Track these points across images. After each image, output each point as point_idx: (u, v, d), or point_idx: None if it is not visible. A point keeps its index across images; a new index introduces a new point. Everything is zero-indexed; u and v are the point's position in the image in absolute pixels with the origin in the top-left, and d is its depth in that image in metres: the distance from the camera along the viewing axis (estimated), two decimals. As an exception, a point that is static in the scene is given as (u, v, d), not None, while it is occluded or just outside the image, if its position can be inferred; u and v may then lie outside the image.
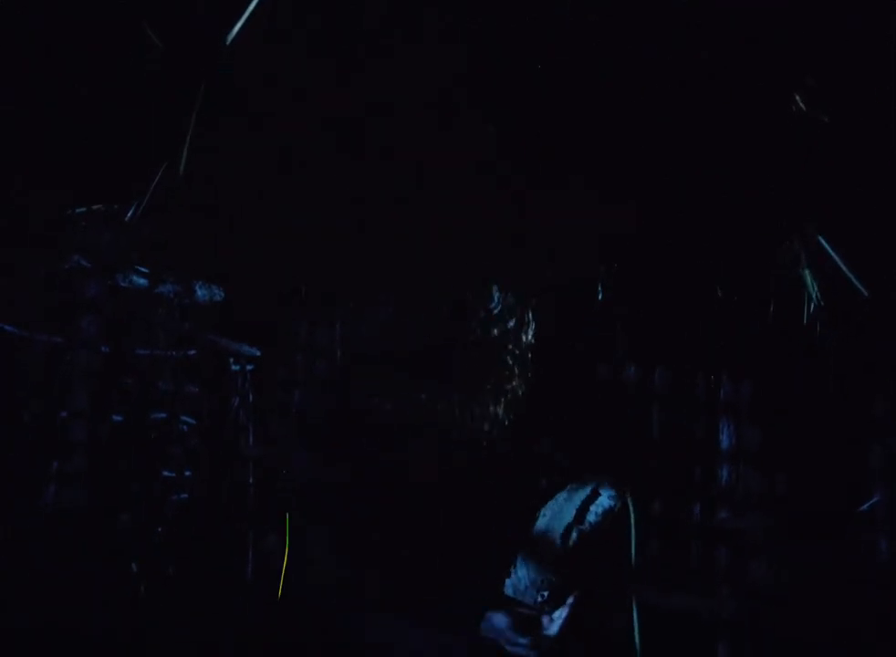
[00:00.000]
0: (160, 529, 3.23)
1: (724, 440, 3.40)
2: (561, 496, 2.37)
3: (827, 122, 3.26)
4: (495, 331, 2.42)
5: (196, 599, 3.20)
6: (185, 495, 3.27)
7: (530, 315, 2.48)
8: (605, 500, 2.36)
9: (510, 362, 2.43)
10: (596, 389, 3.15)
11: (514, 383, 2.45)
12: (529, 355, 2.49)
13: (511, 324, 2.43)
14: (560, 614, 2.30)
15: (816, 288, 3.31)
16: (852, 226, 3.31)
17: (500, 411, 2.44)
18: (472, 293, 2.46)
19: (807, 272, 3.31)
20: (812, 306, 3.32)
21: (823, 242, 3.29)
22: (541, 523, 2.35)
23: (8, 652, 3.01)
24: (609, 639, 2.53)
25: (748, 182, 3.29)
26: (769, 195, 3.30)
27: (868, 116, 3.27)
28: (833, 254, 3.29)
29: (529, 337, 2.45)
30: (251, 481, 3.31)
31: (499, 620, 2.30)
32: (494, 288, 2.42)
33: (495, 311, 2.41)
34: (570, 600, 2.30)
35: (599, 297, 3.23)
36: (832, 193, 3.29)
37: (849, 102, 3.26)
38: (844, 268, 3.28)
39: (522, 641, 2.28)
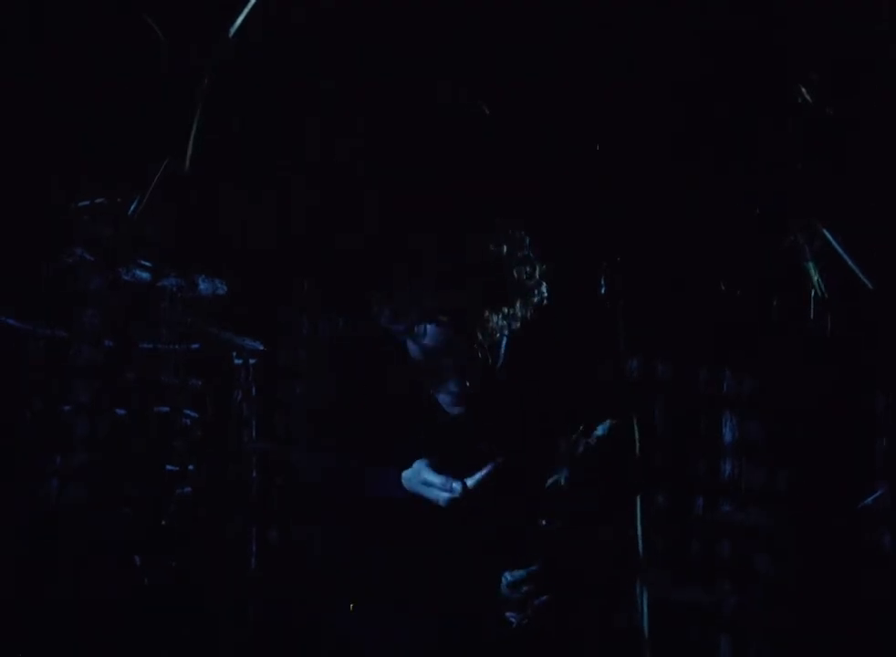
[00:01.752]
0: (163, 522, 3.24)
1: (727, 434, 3.39)
2: None
3: (831, 114, 3.24)
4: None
5: (199, 592, 3.22)
6: (188, 489, 3.28)
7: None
8: (599, 430, 2.34)
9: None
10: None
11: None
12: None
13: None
14: (481, 473, 2.24)
15: (820, 281, 3.30)
16: (857, 219, 3.29)
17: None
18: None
19: (811, 265, 3.30)
20: (816, 299, 3.31)
21: (828, 234, 3.28)
22: None
23: (12, 645, 3.02)
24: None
25: (753, 174, 3.28)
26: (774, 188, 3.29)
27: (872, 108, 3.25)
28: (838, 246, 3.27)
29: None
30: (254, 474, 3.32)
31: (417, 465, 2.24)
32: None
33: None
34: (490, 466, 2.25)
35: (602, 289, 3.22)
36: (837, 186, 3.28)
37: (855, 95, 3.25)
38: (849, 261, 3.27)
39: (435, 480, 2.21)
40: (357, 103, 3.08)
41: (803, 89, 3.21)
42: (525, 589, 2.30)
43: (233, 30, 3.06)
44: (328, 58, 3.07)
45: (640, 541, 2.80)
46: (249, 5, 3.04)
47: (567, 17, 2.99)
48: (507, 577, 2.31)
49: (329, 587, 2.47)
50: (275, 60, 3.08)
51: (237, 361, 3.35)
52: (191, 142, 3.04)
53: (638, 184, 3.20)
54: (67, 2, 3.04)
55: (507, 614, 2.34)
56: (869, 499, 3.35)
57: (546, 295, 2.31)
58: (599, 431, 2.30)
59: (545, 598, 2.31)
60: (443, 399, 2.39)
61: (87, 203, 3.25)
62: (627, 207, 3.20)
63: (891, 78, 3.16)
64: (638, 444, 2.70)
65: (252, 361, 3.35)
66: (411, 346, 2.35)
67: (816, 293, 3.30)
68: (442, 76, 3.01)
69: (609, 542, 2.47)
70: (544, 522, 2.31)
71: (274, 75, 3.11)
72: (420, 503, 2.25)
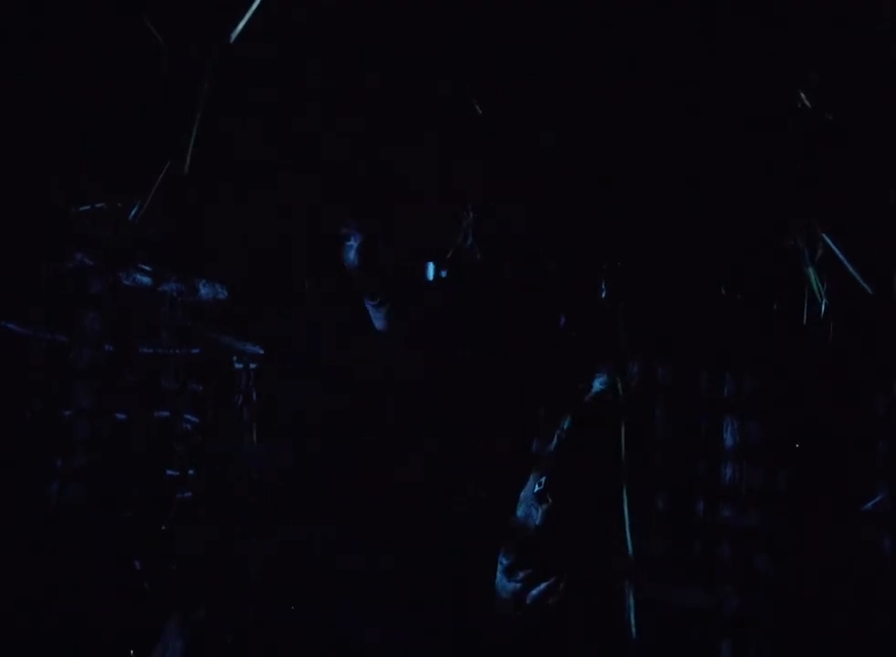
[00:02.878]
0: (163, 527, 3.23)
1: (728, 437, 3.39)
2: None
3: (831, 120, 3.25)
4: None
5: (199, 596, 3.21)
6: (188, 494, 3.27)
7: None
8: (596, 385, 2.39)
9: None
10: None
11: None
12: None
13: None
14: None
15: (820, 286, 3.30)
16: (857, 224, 3.30)
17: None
18: None
19: (811, 269, 3.30)
20: (816, 303, 3.31)
21: (828, 240, 3.28)
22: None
23: (14, 647, 3.01)
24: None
25: (754, 179, 3.28)
26: (774, 193, 3.30)
27: (873, 113, 3.26)
28: (838, 251, 3.28)
29: None
30: (254, 479, 3.31)
31: None
32: None
33: None
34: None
35: (603, 293, 3.23)
36: (837, 191, 3.28)
37: (855, 99, 3.25)
38: (849, 266, 3.27)
39: None
40: (358, 104, 3.09)
41: (802, 95, 3.22)
42: (521, 574, 2.30)
43: (234, 36, 3.07)
44: (328, 58, 3.08)
45: (629, 541, 2.80)
46: (251, 11, 3.05)
47: (568, 17, 3.00)
48: (503, 561, 2.32)
49: (329, 588, 2.47)
50: (275, 61, 3.09)
51: (238, 366, 3.34)
52: (191, 145, 3.05)
53: (639, 187, 3.21)
54: (69, 8, 3.05)
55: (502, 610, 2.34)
56: (869, 504, 3.35)
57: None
58: (565, 424, 2.32)
59: (543, 585, 2.31)
60: (370, 307, 2.43)
61: (87, 207, 3.25)
62: (628, 211, 3.21)
63: (893, 81, 3.17)
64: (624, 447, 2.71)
65: (252, 366, 3.35)
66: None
67: (816, 297, 3.31)
68: (442, 75, 3.02)
69: (599, 538, 2.47)
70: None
71: (273, 77, 3.11)
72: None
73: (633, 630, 2.63)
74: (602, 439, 2.45)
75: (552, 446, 2.34)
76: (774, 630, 3.30)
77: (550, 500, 2.30)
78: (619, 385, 2.54)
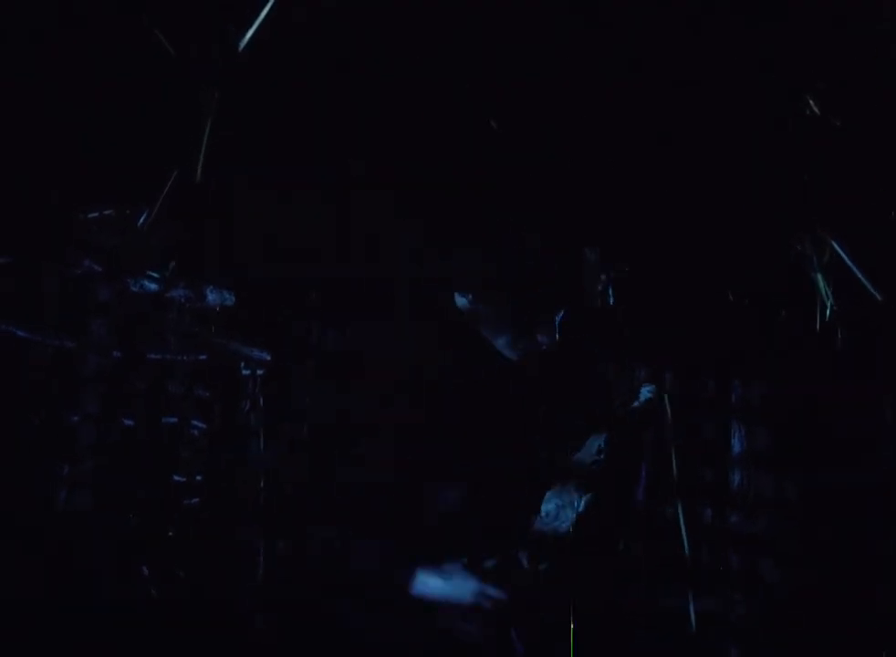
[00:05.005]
0: (170, 533, 3.24)
1: (736, 444, 3.39)
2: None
3: (839, 125, 3.25)
4: None
5: (207, 603, 3.21)
6: (196, 500, 3.27)
7: None
8: (644, 393, 2.41)
9: None
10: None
11: None
12: None
13: None
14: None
15: (828, 292, 3.30)
16: (866, 230, 3.30)
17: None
18: None
19: (819, 276, 3.30)
20: (825, 310, 3.31)
21: (836, 246, 3.28)
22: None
23: (20, 655, 3.02)
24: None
25: (761, 185, 3.28)
26: (782, 198, 3.30)
27: (881, 119, 3.26)
28: (846, 258, 3.27)
29: None
30: (261, 485, 3.32)
31: None
32: None
33: None
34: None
35: (610, 299, 3.23)
36: (846, 197, 3.28)
37: (862, 105, 3.25)
38: (857, 272, 3.27)
39: None
40: (368, 110, 3.10)
41: (810, 100, 3.22)
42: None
43: (243, 44, 3.08)
44: (335, 64, 3.09)
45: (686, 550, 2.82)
46: (260, 18, 3.06)
47: (568, 17, 3.01)
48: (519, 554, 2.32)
49: (334, 591, 2.47)
50: (281, 67, 3.10)
51: (245, 372, 3.35)
52: (202, 152, 3.05)
53: (645, 194, 3.21)
54: (80, 10, 3.05)
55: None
56: (878, 510, 3.34)
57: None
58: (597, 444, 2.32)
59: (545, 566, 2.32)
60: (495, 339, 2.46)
61: (95, 213, 3.26)
62: (634, 217, 3.21)
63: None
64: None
65: (260, 372, 3.35)
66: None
67: (824, 304, 3.30)
68: (447, 78, 3.03)
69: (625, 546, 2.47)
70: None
71: (281, 82, 3.12)
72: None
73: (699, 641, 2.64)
74: (642, 448, 2.47)
75: (591, 455, 2.35)
76: (781, 637, 3.30)
77: (583, 504, 2.32)
78: (666, 397, 2.58)
